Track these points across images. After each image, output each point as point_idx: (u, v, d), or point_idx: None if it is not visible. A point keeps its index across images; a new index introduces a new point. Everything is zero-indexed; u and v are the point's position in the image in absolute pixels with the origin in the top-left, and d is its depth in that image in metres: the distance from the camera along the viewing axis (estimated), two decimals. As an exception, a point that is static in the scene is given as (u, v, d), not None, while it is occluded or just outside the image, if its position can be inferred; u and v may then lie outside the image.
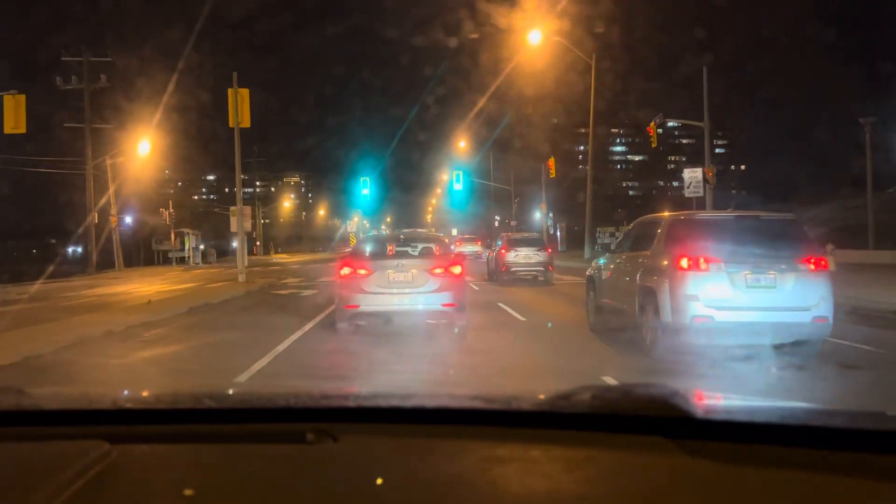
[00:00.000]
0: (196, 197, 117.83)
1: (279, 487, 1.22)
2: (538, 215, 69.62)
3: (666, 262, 6.98)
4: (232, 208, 23.24)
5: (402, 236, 10.97)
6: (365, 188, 40.61)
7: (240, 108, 20.65)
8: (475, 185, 51.24)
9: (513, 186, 48.01)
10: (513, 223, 43.96)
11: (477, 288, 16.94)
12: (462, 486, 1.19)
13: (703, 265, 6.69)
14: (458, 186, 40.86)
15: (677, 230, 7.18)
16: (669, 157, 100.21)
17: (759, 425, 1.33)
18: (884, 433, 1.26)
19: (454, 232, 55.79)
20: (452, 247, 19.29)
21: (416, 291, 8.69)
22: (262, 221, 79.78)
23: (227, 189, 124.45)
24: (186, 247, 44.77)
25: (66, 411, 1.60)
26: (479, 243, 38.14)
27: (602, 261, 9.52)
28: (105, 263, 34.32)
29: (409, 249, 9.67)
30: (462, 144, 45.95)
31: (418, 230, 20.27)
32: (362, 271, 8.72)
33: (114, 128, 34.12)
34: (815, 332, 6.70)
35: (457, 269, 9.00)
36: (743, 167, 77.98)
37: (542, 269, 19.69)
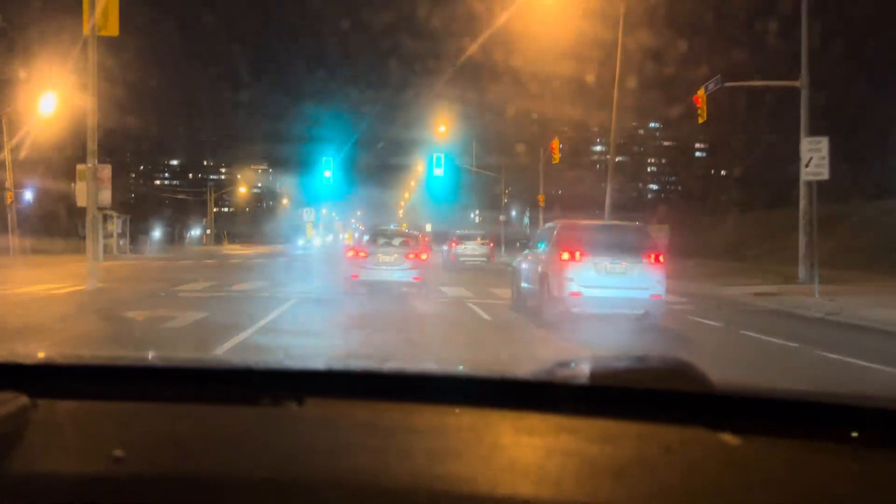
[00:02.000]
0: (158, 181, 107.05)
1: (226, 448, 1.12)
2: (513, 213, 62.09)
3: (554, 255, 10.15)
4: (79, 167, 15.77)
5: (387, 232, 15.79)
6: (327, 170, 35.74)
7: (102, 4, 14.03)
8: (459, 173, 46.35)
9: (503, 176, 42.84)
10: (502, 218, 40.83)
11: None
12: (448, 453, 1.11)
13: (577, 257, 9.90)
14: (439, 172, 35.48)
15: (563, 233, 10.41)
16: (649, 160, 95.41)
17: (785, 402, 1.27)
18: None
19: (428, 228, 53.91)
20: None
21: (395, 269, 13.30)
22: (216, 209, 76.16)
23: (191, 174, 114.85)
24: (112, 232, 39.21)
25: None
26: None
27: (539, 247, 12.53)
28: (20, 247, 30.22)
29: (392, 241, 14.16)
30: (442, 129, 40.07)
31: (393, 227, 25.16)
32: (362, 254, 13.33)
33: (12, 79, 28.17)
34: (653, 305, 9.96)
35: (424, 256, 14.11)
36: (723, 172, 66.81)
37: (484, 258, 23.73)
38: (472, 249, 25.15)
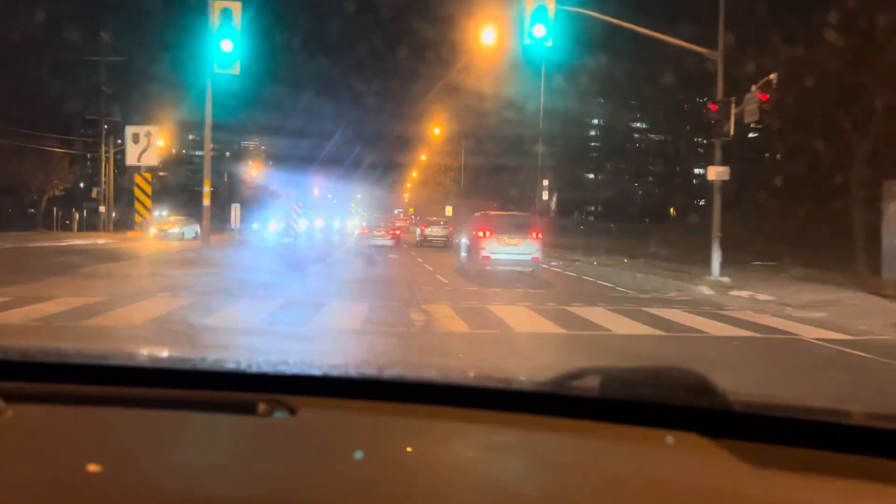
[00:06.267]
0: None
1: (215, 463, 1.08)
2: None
3: (474, 234, 17.00)
4: None
5: (380, 219, 32.40)
6: (226, 37, 16.03)
7: None
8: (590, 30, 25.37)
9: (722, 41, 16.66)
10: (718, 174, 16.27)
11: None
12: (452, 475, 1.08)
13: (487, 235, 16.87)
14: (540, 32, 15.66)
15: (480, 219, 17.34)
16: (696, 139, 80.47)
17: (816, 425, 1.22)
18: None
19: (448, 212, 46.94)
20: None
21: (382, 237, 26.17)
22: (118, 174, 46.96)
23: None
24: None
25: None
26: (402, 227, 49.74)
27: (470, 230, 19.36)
28: None
29: (381, 224, 27.09)
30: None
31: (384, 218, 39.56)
32: (366, 231, 26.30)
33: None
34: (534, 264, 17.02)
35: (398, 233, 33.68)
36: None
37: (445, 239, 31.79)
38: (436, 232, 35.52)
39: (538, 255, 17.44)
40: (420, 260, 23.73)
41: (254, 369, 1.40)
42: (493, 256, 17.25)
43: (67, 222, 43.34)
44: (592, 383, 1.29)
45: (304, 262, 20.16)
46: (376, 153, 75.48)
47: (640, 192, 64.63)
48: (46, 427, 1.18)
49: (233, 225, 28.10)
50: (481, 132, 39.88)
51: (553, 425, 1.25)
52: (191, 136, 69.46)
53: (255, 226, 39.58)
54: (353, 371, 1.45)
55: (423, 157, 64.84)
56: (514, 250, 17.32)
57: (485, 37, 19.36)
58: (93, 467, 1.02)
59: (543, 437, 1.23)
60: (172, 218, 36.16)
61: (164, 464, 1.09)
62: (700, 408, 1.23)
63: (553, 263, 21.33)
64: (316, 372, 1.42)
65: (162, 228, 32.24)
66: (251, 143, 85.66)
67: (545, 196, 30.88)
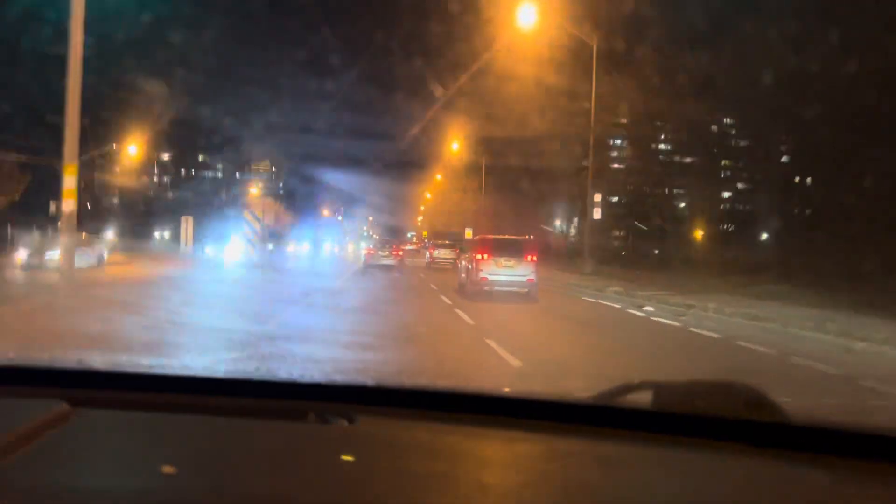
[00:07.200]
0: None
1: (276, 468, 1.12)
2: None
3: (473, 256, 17.43)
4: None
5: (383, 241, 41.03)
6: None
7: None
8: None
9: None
10: None
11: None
12: (519, 480, 1.10)
13: (485, 257, 17.34)
14: None
15: (479, 242, 17.79)
16: (723, 162, 73.90)
17: (871, 437, 1.23)
18: None
19: (468, 234, 43.14)
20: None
21: (387, 258, 33.12)
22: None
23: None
24: None
25: (24, 369, 1.50)
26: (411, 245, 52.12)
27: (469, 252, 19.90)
28: None
29: (385, 246, 35.50)
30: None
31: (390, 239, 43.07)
32: (373, 252, 28.67)
33: None
34: (529, 285, 17.47)
35: (400, 253, 36.51)
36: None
37: (452, 262, 32.47)
38: (443, 255, 37.74)
39: (533, 276, 17.87)
40: (447, 302, 15.32)
41: (306, 380, 1.49)
42: (490, 278, 17.71)
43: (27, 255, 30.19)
44: (647, 396, 1.35)
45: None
46: (387, 174, 75.36)
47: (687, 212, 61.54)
48: (109, 430, 1.26)
49: (183, 245, 20.31)
50: (506, 147, 40.03)
51: (607, 435, 1.29)
52: (200, 158, 71.49)
53: (207, 249, 30.14)
54: (408, 383, 1.56)
55: (439, 178, 60.55)
56: (511, 272, 17.77)
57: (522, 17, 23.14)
58: (168, 468, 1.08)
59: (597, 446, 1.26)
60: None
61: (225, 466, 1.14)
62: (757, 421, 1.26)
63: (648, 309, 14.87)
64: (370, 382, 1.52)
65: (38, 252, 21.62)
66: (261, 165, 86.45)
67: (597, 214, 26.51)
